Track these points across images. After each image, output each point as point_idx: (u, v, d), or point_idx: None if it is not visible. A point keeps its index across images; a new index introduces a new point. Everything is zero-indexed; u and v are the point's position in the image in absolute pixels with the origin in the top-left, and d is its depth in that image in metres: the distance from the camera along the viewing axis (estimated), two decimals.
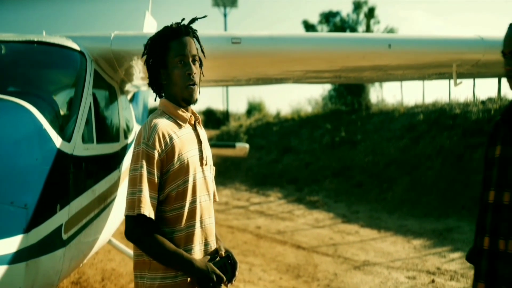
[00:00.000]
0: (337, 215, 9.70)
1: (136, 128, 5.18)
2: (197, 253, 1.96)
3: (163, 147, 1.87)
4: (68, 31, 3.85)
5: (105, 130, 3.91)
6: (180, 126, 1.98)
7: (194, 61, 1.97)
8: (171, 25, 1.99)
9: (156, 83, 2.04)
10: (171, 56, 1.94)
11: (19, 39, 3.44)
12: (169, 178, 1.89)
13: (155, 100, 2.10)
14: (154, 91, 2.07)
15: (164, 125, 1.91)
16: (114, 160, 3.93)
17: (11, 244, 2.30)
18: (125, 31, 3.76)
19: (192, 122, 2.04)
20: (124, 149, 4.30)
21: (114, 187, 3.87)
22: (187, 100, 1.98)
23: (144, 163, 1.84)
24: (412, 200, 9.73)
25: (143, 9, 6.17)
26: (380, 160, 12.10)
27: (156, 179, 1.86)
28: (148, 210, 1.82)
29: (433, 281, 5.54)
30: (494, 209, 2.05)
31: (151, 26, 6.12)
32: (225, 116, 24.78)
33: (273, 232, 8.40)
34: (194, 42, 2.01)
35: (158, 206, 1.89)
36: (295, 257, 6.71)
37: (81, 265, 3.73)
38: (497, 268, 2.00)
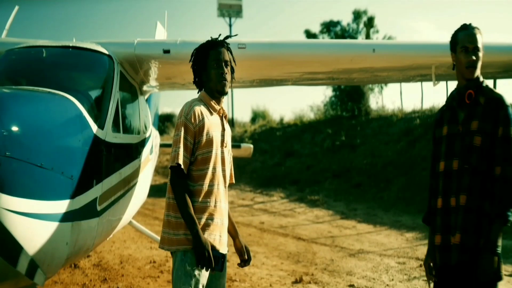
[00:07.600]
0: (336, 212, 10.25)
1: (151, 126, 5.73)
2: (211, 207, 2.55)
3: (197, 122, 2.51)
4: (89, 37, 4.47)
5: (128, 124, 4.49)
6: (211, 113, 2.62)
7: (226, 65, 2.62)
8: (211, 39, 2.67)
9: (199, 81, 2.69)
10: (210, 60, 2.60)
11: (57, 44, 4.05)
12: (199, 147, 2.53)
13: (197, 93, 2.73)
14: (197, 87, 2.72)
15: (200, 107, 2.57)
16: (136, 150, 4.52)
17: (61, 206, 2.86)
18: (146, 38, 4.36)
19: (220, 115, 2.67)
20: (143, 142, 4.87)
21: (136, 173, 4.44)
22: (220, 91, 2.63)
23: (182, 130, 2.49)
24: (407, 198, 10.25)
25: (155, 19, 6.81)
26: (378, 162, 12.64)
27: (189, 144, 2.51)
28: (182, 161, 2.46)
29: (421, 265, 6.03)
30: (445, 175, 2.61)
31: (161, 34, 6.73)
32: (230, 122, 25.35)
33: (276, 227, 8.95)
34: (227, 52, 2.65)
35: (189, 166, 2.52)
36: (296, 247, 7.26)
37: (107, 239, 4.30)
38: (450, 220, 2.54)
